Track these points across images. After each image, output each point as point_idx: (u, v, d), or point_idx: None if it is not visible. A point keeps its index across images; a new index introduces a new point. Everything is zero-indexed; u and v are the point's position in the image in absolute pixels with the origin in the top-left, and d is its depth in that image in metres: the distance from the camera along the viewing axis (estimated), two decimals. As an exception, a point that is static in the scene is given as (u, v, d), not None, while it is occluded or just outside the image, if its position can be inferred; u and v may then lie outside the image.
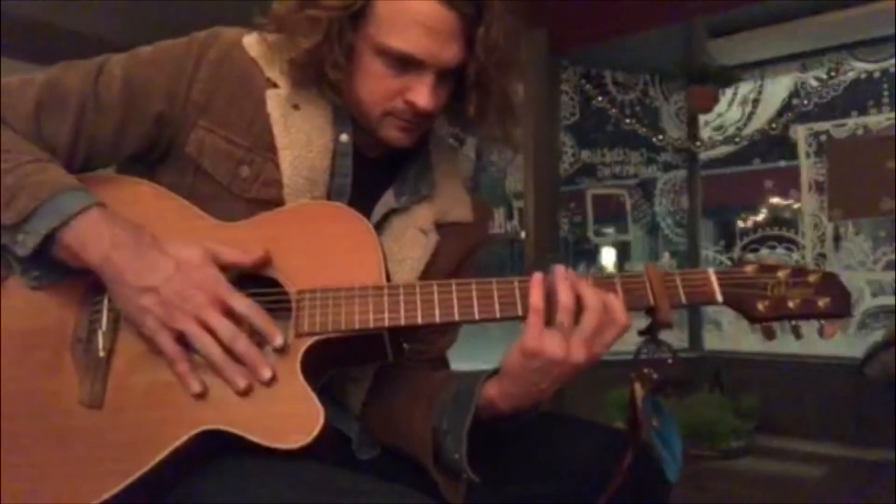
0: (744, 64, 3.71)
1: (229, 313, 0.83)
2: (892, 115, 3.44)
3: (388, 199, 0.98)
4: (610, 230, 4.55)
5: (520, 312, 0.85)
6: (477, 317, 0.85)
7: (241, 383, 0.81)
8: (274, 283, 0.87)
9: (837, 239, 3.66)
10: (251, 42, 0.95)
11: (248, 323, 0.83)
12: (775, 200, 4.45)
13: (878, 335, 3.17)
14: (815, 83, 3.63)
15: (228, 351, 0.81)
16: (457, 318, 0.85)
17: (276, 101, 0.93)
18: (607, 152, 3.95)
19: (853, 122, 3.59)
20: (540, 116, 3.53)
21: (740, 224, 4.32)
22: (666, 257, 4.36)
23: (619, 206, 4.07)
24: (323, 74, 0.91)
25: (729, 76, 3.71)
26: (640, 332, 0.89)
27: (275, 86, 0.94)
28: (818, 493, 2.69)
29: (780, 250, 3.84)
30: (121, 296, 0.84)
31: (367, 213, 0.94)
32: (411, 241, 0.98)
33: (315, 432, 0.79)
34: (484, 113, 0.96)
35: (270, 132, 0.92)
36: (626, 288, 0.86)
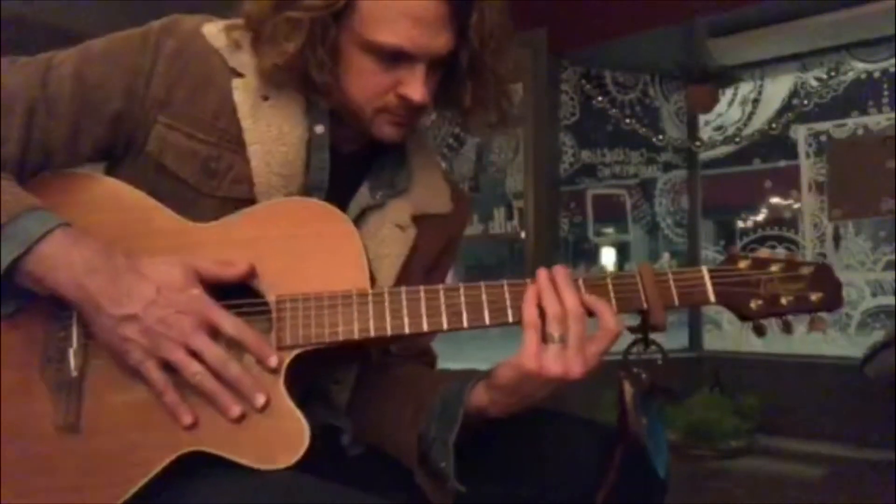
0: (744, 64, 3.71)
1: (217, 335, 0.78)
2: (892, 115, 3.44)
3: (363, 196, 0.94)
4: (610, 230, 4.55)
5: (510, 319, 0.82)
6: (466, 325, 0.82)
7: (235, 411, 0.76)
8: (250, 288, 0.82)
9: (837, 239, 3.66)
10: (213, 31, 0.89)
11: (239, 344, 0.78)
12: (775, 200, 4.45)
13: (878, 335, 3.17)
14: (815, 83, 3.63)
15: (219, 377, 0.77)
16: (445, 326, 0.81)
17: (243, 92, 0.87)
18: (607, 152, 3.95)
19: (853, 122, 3.59)
20: (540, 116, 3.53)
21: (740, 224, 4.32)
22: (666, 257, 4.37)
23: (619, 206, 4.07)
24: (307, 77, 0.87)
25: (729, 76, 3.71)
26: (631, 330, 0.87)
27: (240, 75, 0.88)
28: (818, 493, 2.69)
29: (780, 250, 3.83)
30: (99, 326, 0.77)
31: (341, 210, 0.90)
32: (389, 237, 0.94)
33: (302, 451, 0.76)
34: (481, 101, 0.93)
35: (238, 125, 0.86)
36: (618, 290, 0.84)
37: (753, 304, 0.85)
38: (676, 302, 0.84)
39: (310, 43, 0.85)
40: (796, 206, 3.89)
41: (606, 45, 3.50)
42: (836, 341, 3.50)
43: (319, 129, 0.90)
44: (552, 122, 3.63)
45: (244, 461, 0.76)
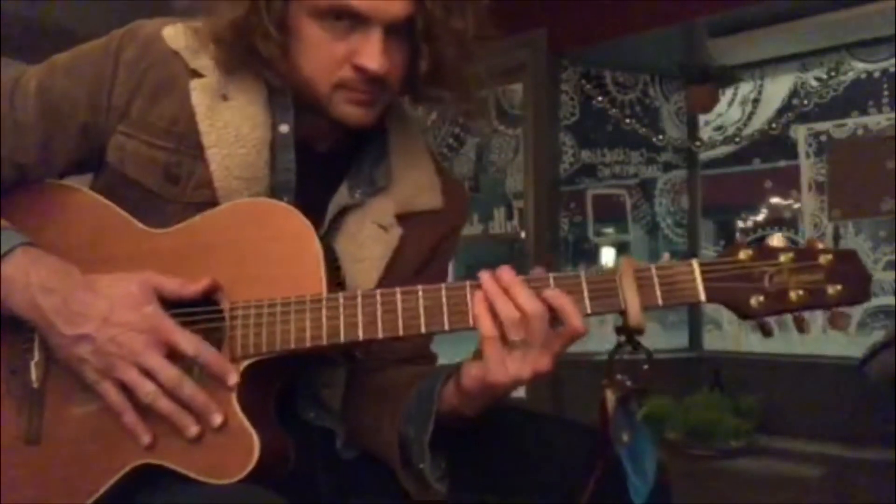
0: (744, 64, 3.70)
1: (173, 353, 0.76)
2: (892, 115, 3.44)
3: (341, 195, 0.90)
4: (610, 230, 4.54)
5: (471, 323, 0.77)
6: (423, 329, 0.78)
7: (193, 431, 0.75)
8: (205, 296, 0.80)
9: (837, 239, 3.65)
10: (172, 33, 0.86)
11: (196, 362, 0.76)
12: (775, 200, 4.44)
13: (878, 335, 3.17)
14: (815, 83, 3.62)
15: (173, 396, 0.75)
16: (401, 331, 0.77)
17: (201, 92, 0.84)
18: (607, 152, 3.95)
19: (853, 122, 3.59)
20: (540, 116, 3.53)
21: (740, 224, 4.31)
22: (666, 257, 4.36)
23: (619, 206, 4.07)
24: (254, 50, 0.82)
25: (729, 76, 3.70)
26: (617, 331, 0.79)
27: (200, 76, 0.85)
28: (818, 493, 2.69)
29: (780, 250, 3.83)
30: (55, 345, 0.77)
31: (320, 212, 0.88)
32: (370, 238, 0.90)
33: (250, 467, 0.75)
34: (439, 70, 0.86)
35: (196, 128, 0.84)
36: (593, 289, 0.77)
37: (754, 301, 0.74)
38: (660, 301, 0.76)
39: (254, 10, 0.81)
40: (796, 206, 3.89)
41: (606, 45, 3.49)
42: (837, 341, 3.50)
43: (284, 128, 0.87)
44: (552, 122, 3.63)
45: (195, 475, 0.75)
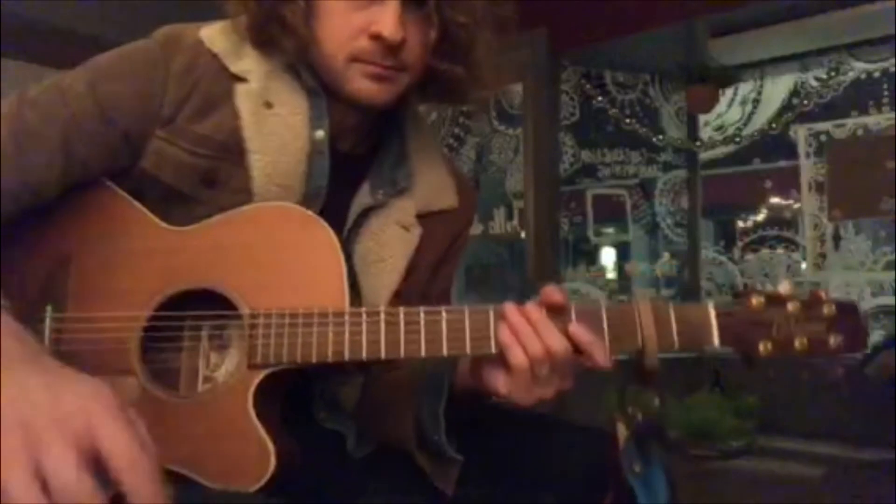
0: (744, 64, 3.70)
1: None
2: (892, 115, 3.44)
3: (363, 196, 0.91)
4: (610, 230, 4.54)
5: (493, 349, 0.77)
6: (445, 352, 0.77)
7: None
8: (223, 298, 0.79)
9: (837, 239, 3.66)
10: (211, 35, 0.86)
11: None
12: (775, 200, 4.44)
13: (878, 335, 3.17)
14: (815, 83, 3.63)
15: None
16: (423, 353, 0.77)
17: (245, 99, 0.84)
18: (607, 152, 3.95)
19: (853, 122, 3.59)
20: (540, 116, 3.53)
21: (740, 224, 4.31)
22: (666, 257, 4.36)
23: (619, 206, 4.07)
24: (285, 27, 0.83)
25: (729, 76, 3.70)
26: (623, 362, 0.80)
27: (243, 80, 0.85)
28: (818, 493, 2.69)
29: (779, 250, 3.83)
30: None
31: (343, 212, 0.88)
32: (392, 238, 0.91)
33: (265, 478, 0.74)
34: (450, 41, 0.86)
35: (239, 133, 0.84)
36: (613, 324, 0.77)
37: (763, 348, 0.77)
38: (676, 345, 0.77)
39: None
40: (796, 206, 3.89)
41: (606, 45, 3.49)
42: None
43: (320, 133, 0.87)
44: (552, 122, 3.63)
45: (203, 480, 0.74)
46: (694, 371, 3.61)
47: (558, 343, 0.76)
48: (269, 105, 0.85)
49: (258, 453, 0.75)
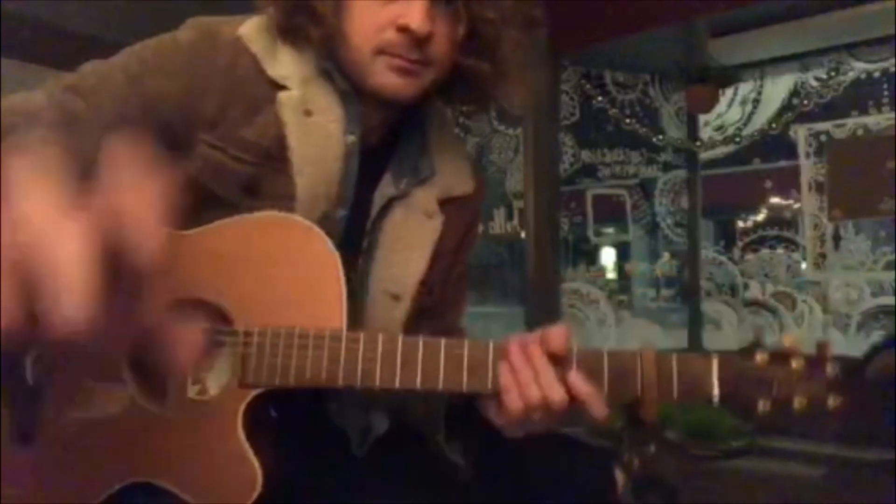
0: (744, 64, 3.71)
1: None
2: (892, 115, 3.44)
3: (386, 187, 0.90)
4: (610, 230, 4.55)
5: (489, 387, 0.75)
6: (441, 386, 0.75)
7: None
8: (218, 309, 0.77)
9: (837, 239, 3.66)
10: (250, 34, 0.85)
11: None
12: (775, 200, 4.45)
13: (878, 335, 3.17)
14: (815, 83, 3.63)
15: None
16: (419, 385, 0.75)
17: (288, 108, 0.83)
18: (607, 152, 3.95)
19: (853, 122, 3.59)
20: (540, 116, 3.53)
21: (740, 224, 4.32)
22: (666, 257, 4.36)
23: (619, 206, 4.07)
24: (314, 16, 0.82)
25: (729, 76, 3.71)
26: (626, 415, 0.80)
27: (283, 87, 0.84)
28: (818, 493, 2.69)
29: (779, 250, 3.83)
30: None
31: (366, 204, 0.88)
32: (417, 226, 0.90)
33: (251, 500, 0.72)
34: (477, 36, 0.85)
35: (284, 141, 0.83)
36: (613, 373, 0.75)
37: (761, 406, 0.75)
38: (675, 396, 0.75)
39: None
40: (796, 206, 3.89)
41: (606, 45, 3.49)
42: (836, 341, 3.50)
43: (351, 138, 0.87)
44: (552, 122, 3.63)
45: (187, 497, 0.73)
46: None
47: (557, 394, 0.75)
48: (308, 113, 0.85)
49: (245, 475, 0.73)
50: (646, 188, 4.05)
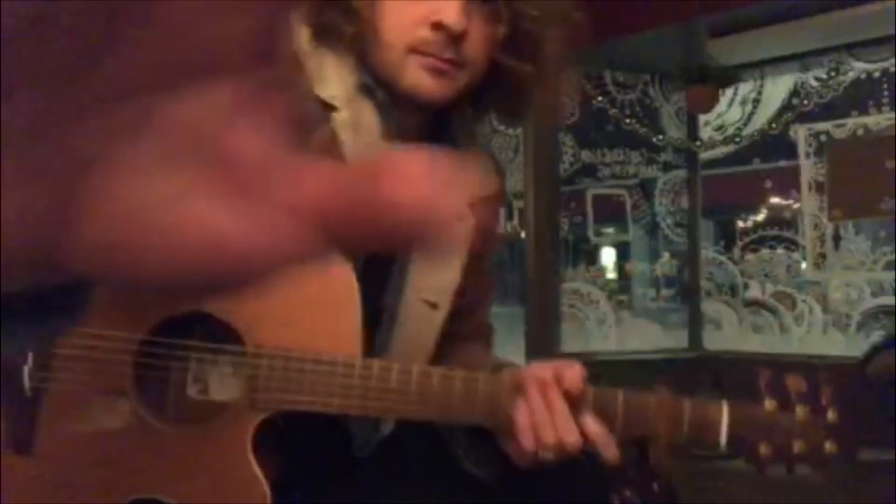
0: (744, 64, 3.70)
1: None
2: (892, 115, 3.44)
3: None
4: (610, 230, 4.54)
5: (505, 423, 0.76)
6: (455, 420, 0.76)
7: None
8: (228, 326, 0.75)
9: (837, 239, 3.65)
10: (303, 48, 0.83)
11: None
12: (775, 200, 4.44)
13: (878, 335, 3.17)
14: (815, 83, 3.63)
15: None
16: (433, 417, 0.76)
17: (342, 127, 0.82)
18: (607, 152, 3.95)
19: (853, 122, 3.59)
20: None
21: (740, 224, 4.31)
22: (666, 257, 4.36)
23: (619, 206, 4.07)
24: (348, 11, 0.80)
25: (729, 76, 3.70)
26: (633, 451, 0.81)
27: (334, 108, 0.83)
28: (818, 493, 2.69)
29: (779, 250, 3.83)
30: None
31: None
32: (450, 231, 0.90)
33: None
34: (518, 36, 0.82)
35: (342, 159, 0.81)
36: (628, 414, 0.76)
37: (763, 450, 0.78)
38: (685, 440, 0.77)
39: None
40: (796, 206, 3.89)
41: (606, 45, 3.49)
42: (837, 341, 3.50)
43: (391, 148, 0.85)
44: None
45: None
46: (694, 371, 3.61)
47: (572, 437, 0.75)
48: (357, 130, 0.83)
49: (254, 495, 0.73)
50: (646, 188, 4.05)
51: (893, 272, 3.52)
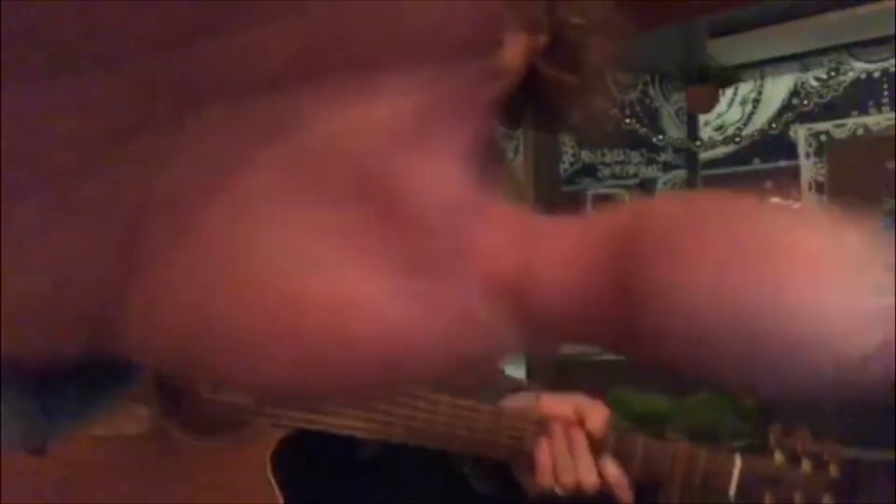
0: (744, 64, 3.71)
1: None
2: (892, 115, 3.44)
3: None
4: (610, 230, 4.54)
5: (526, 458, 0.76)
6: (477, 452, 0.77)
7: None
8: None
9: (837, 239, 3.66)
10: None
11: None
12: (775, 200, 4.44)
13: (878, 335, 3.16)
14: (815, 83, 3.63)
15: None
16: (455, 449, 0.76)
17: None
18: (607, 152, 3.95)
19: (853, 122, 3.59)
20: (540, 116, 3.53)
21: (740, 224, 4.31)
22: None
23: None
24: None
25: (729, 76, 3.70)
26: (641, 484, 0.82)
27: None
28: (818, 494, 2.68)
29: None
30: None
31: None
32: None
33: None
34: (560, 44, 0.78)
35: None
36: (646, 460, 0.78)
37: (767, 500, 0.80)
38: (695, 489, 0.79)
39: None
40: (796, 206, 3.89)
41: (606, 45, 3.49)
42: (836, 341, 3.49)
43: None
44: (552, 122, 3.63)
45: None
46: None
47: (591, 480, 0.76)
48: None
49: None
50: (646, 188, 4.05)
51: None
